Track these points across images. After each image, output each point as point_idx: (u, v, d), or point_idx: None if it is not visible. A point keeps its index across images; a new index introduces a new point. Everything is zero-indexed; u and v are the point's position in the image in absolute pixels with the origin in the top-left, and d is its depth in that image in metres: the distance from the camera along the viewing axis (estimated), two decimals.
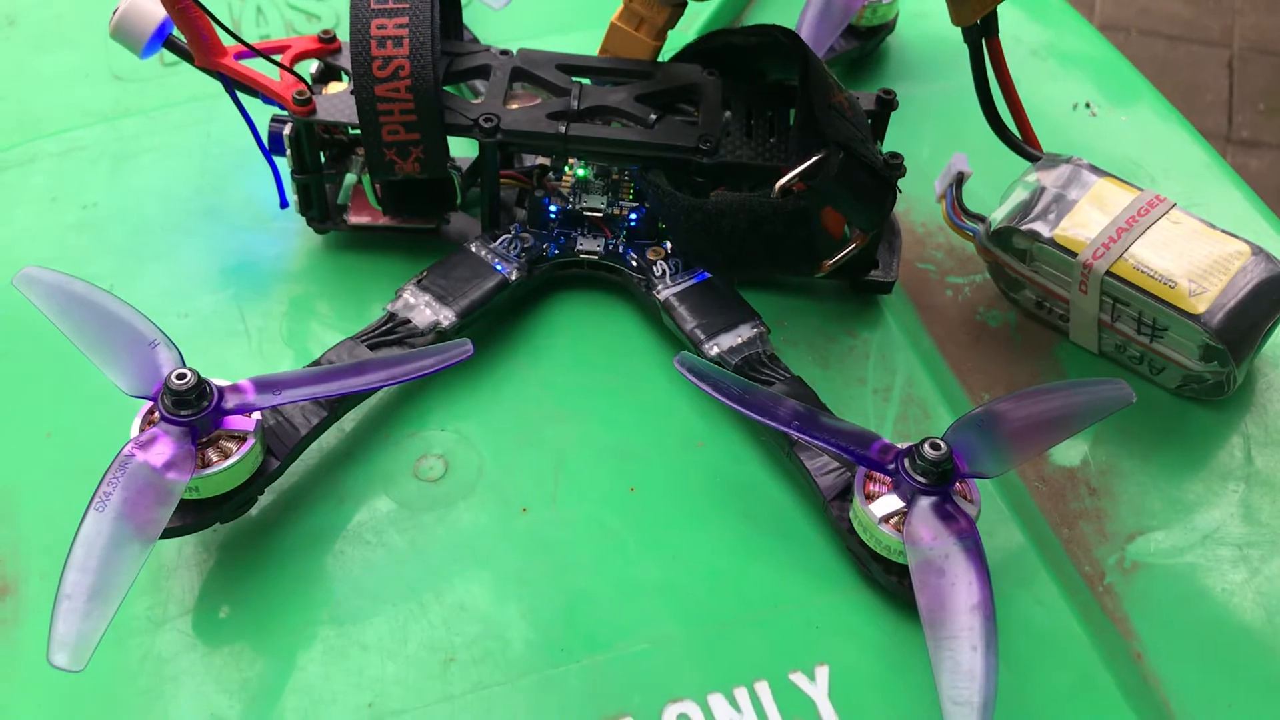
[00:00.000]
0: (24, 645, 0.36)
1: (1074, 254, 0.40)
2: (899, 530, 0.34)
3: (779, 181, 0.39)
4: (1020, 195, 0.42)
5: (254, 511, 0.37)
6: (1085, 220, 0.41)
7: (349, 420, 0.40)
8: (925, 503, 0.34)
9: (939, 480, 0.34)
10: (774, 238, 0.40)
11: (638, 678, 0.34)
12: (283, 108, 0.42)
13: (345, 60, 0.43)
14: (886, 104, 0.42)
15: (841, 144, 0.38)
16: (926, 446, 0.34)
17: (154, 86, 0.53)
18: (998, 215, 0.42)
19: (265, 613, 0.36)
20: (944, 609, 0.32)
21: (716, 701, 0.34)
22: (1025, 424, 0.36)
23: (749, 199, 0.40)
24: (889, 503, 0.35)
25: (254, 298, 0.44)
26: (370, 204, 0.44)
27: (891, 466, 0.35)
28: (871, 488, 0.35)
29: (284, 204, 0.45)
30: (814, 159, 0.39)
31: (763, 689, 0.34)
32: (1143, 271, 0.40)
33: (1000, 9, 0.41)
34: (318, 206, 0.44)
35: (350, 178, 0.44)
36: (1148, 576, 0.38)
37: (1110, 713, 0.34)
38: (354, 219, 0.44)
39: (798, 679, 0.34)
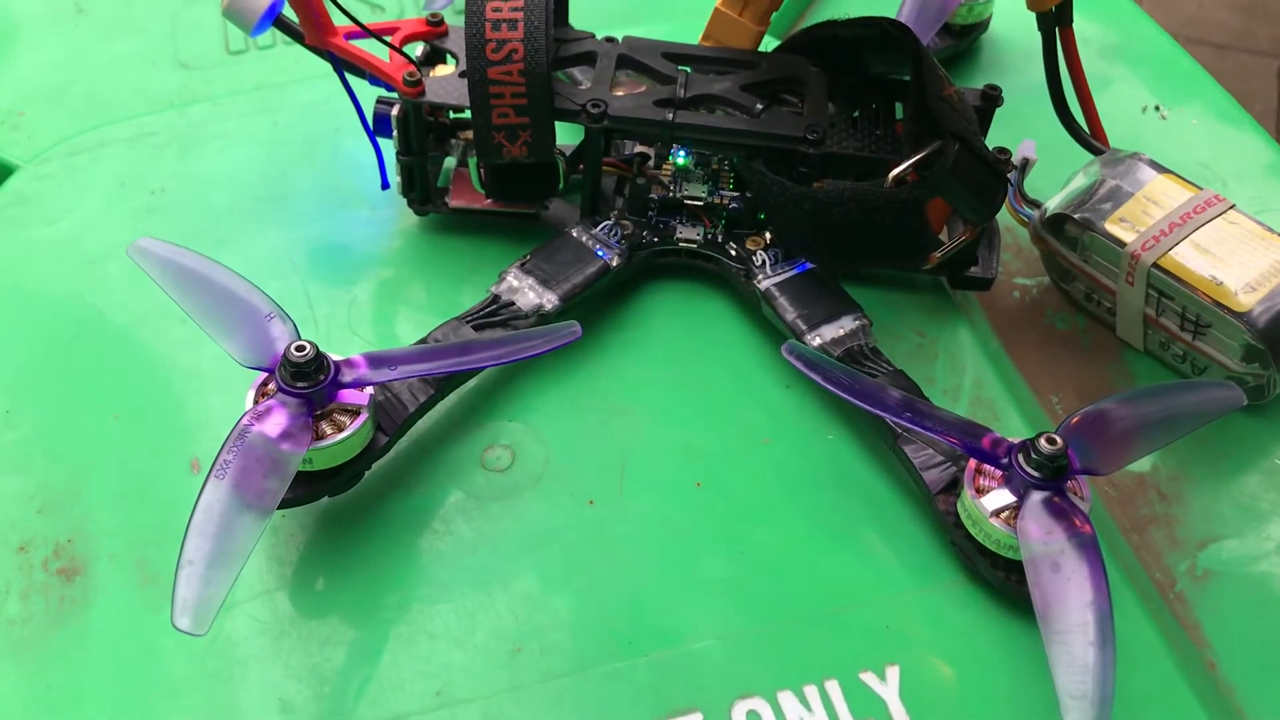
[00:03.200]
0: (94, 625, 0.36)
1: (1123, 244, 0.40)
2: (1010, 525, 0.34)
3: (893, 171, 0.39)
4: (1079, 184, 0.42)
5: (322, 500, 0.38)
6: (1139, 213, 0.41)
7: None
8: (1038, 497, 0.34)
9: (1053, 475, 0.34)
10: (884, 229, 0.40)
11: (706, 673, 0.34)
12: (390, 89, 0.42)
13: (452, 43, 0.43)
14: (992, 100, 0.42)
15: (957, 135, 0.38)
16: (1042, 441, 0.34)
17: (220, 74, 0.53)
18: (1053, 202, 0.42)
19: (334, 599, 0.36)
20: (1059, 604, 0.32)
21: (786, 699, 0.33)
22: (1136, 423, 0.36)
23: (862, 188, 0.40)
24: (1000, 497, 0.35)
25: (321, 285, 0.44)
26: (471, 188, 0.44)
27: (1004, 460, 0.35)
28: (981, 482, 0.35)
29: (385, 185, 0.45)
30: (929, 149, 0.39)
31: (833, 687, 0.34)
32: (1189, 266, 0.39)
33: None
34: (420, 188, 0.44)
35: (450, 161, 0.44)
36: (1220, 584, 0.37)
37: (1184, 715, 0.34)
38: (455, 202, 0.45)
39: (868, 678, 0.34)
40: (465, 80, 0.40)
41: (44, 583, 0.37)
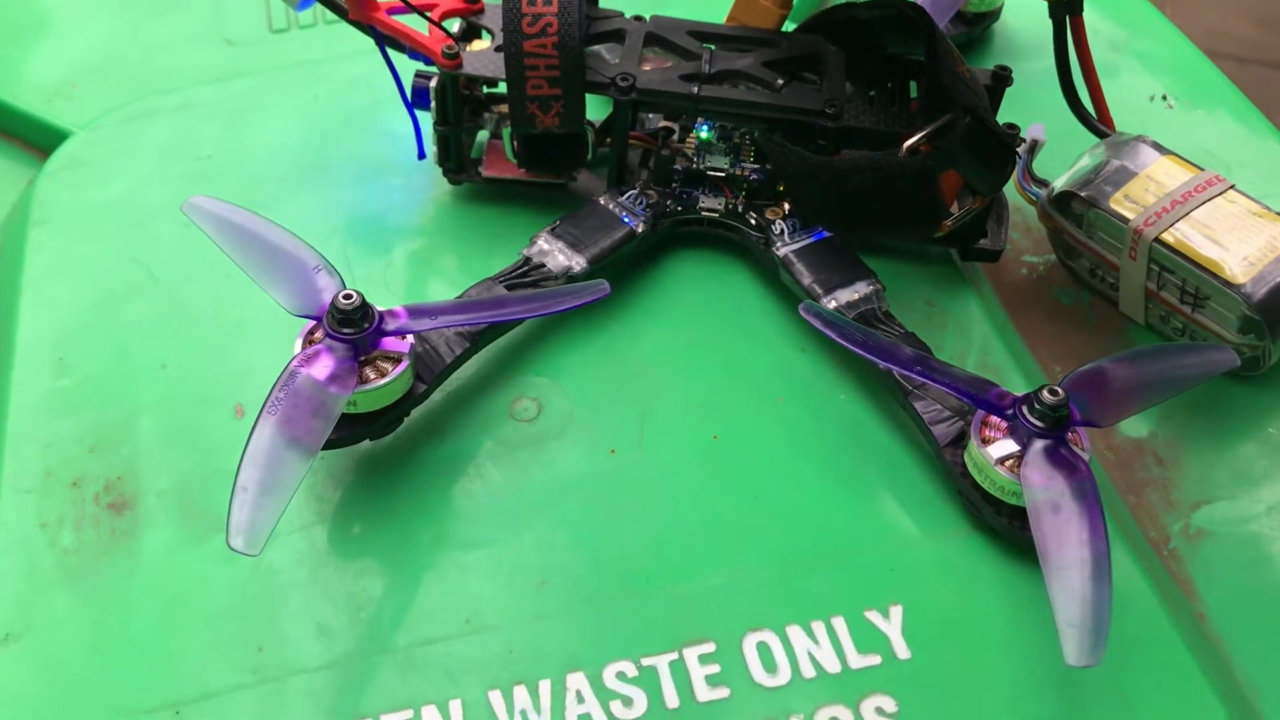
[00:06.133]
0: (142, 554, 0.38)
1: (1126, 221, 0.42)
2: (1014, 472, 0.36)
3: (907, 141, 0.41)
4: (1084, 164, 0.44)
5: (363, 444, 0.40)
6: (1142, 191, 0.42)
7: None
8: (1041, 445, 0.36)
9: (1054, 425, 0.36)
10: (898, 197, 0.42)
11: (720, 607, 0.36)
12: (429, 62, 0.44)
13: (488, 20, 0.45)
14: (1001, 79, 0.44)
15: (968, 108, 0.40)
16: (1045, 392, 0.36)
17: (263, 51, 0.56)
18: (1060, 181, 0.44)
19: (370, 535, 0.38)
20: (1059, 543, 0.34)
21: (794, 632, 0.35)
22: (1134, 379, 0.38)
23: (877, 157, 0.42)
24: (1005, 446, 0.37)
25: (359, 248, 0.46)
26: (503, 159, 0.46)
27: (1009, 411, 0.37)
28: (987, 433, 0.37)
29: (421, 155, 0.47)
30: (942, 121, 0.41)
31: (839, 623, 0.36)
32: (1189, 241, 0.41)
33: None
34: (455, 158, 0.46)
35: (483, 134, 0.47)
36: (1212, 543, 0.39)
37: (1176, 663, 0.36)
38: (488, 172, 0.47)
39: (872, 616, 0.36)
40: (500, 54, 0.43)
41: (95, 516, 0.39)
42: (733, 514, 0.38)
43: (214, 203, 0.40)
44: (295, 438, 0.35)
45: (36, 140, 0.53)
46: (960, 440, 0.38)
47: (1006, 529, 0.37)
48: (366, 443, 0.39)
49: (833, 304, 0.42)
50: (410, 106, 0.45)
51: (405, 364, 0.37)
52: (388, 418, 0.38)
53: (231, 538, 0.33)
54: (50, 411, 0.42)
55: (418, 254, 0.47)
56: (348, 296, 0.37)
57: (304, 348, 0.37)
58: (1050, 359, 0.44)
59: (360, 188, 0.49)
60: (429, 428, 0.41)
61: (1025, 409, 0.36)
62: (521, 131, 0.44)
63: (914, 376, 0.38)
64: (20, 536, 0.38)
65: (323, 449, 0.35)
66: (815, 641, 0.35)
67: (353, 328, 0.37)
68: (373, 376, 0.37)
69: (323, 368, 0.36)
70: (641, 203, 0.45)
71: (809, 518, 0.38)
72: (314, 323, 0.38)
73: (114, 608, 0.37)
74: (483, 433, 0.41)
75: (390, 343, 0.38)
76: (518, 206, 0.47)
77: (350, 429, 0.38)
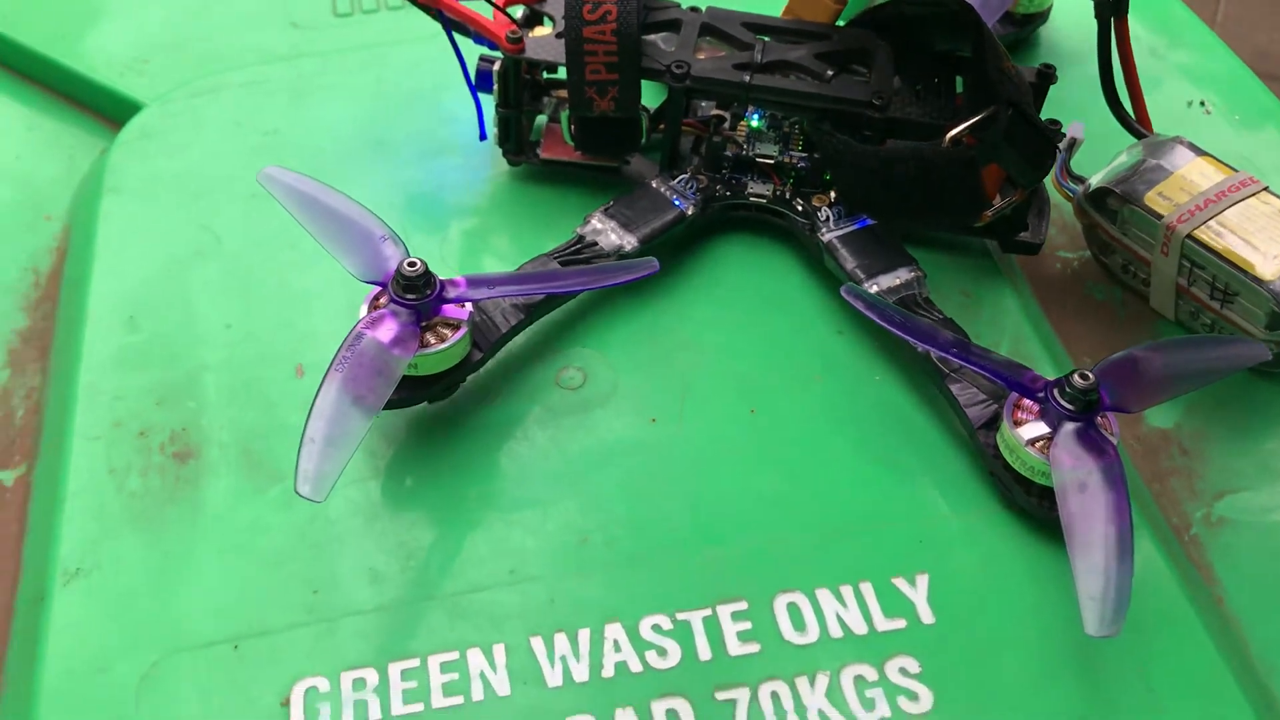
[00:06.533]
0: (205, 501, 0.40)
1: (1160, 217, 0.43)
2: (1044, 453, 0.37)
3: (950, 132, 0.43)
4: (1121, 161, 0.45)
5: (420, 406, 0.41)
6: (1177, 189, 0.44)
7: None
8: (1071, 428, 0.37)
9: (1084, 409, 0.37)
10: (940, 187, 0.43)
11: (752, 569, 0.38)
12: (493, 46, 0.46)
13: (550, 7, 0.47)
14: (1046, 78, 0.45)
15: (1012, 102, 0.41)
16: (1076, 377, 0.37)
17: (328, 34, 0.58)
18: (1097, 178, 0.45)
19: (421, 490, 0.40)
20: (1084, 520, 0.35)
21: (824, 595, 0.37)
22: (1163, 368, 0.39)
23: (921, 146, 0.43)
24: (1036, 428, 0.38)
25: (418, 224, 0.48)
26: (560, 142, 0.48)
27: (1041, 395, 0.38)
28: (1019, 415, 0.38)
29: (483, 137, 0.49)
30: (985, 113, 0.42)
31: (866, 588, 0.37)
32: (1221, 239, 0.42)
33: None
34: (515, 140, 0.48)
35: (541, 118, 0.49)
36: (1233, 531, 0.40)
37: (1193, 642, 0.37)
38: (545, 154, 0.49)
39: (899, 583, 0.37)
40: (562, 40, 0.44)
41: (160, 464, 0.41)
42: (768, 483, 0.40)
43: (287, 173, 0.42)
44: (359, 395, 0.36)
45: (110, 112, 0.56)
46: (994, 423, 0.40)
47: (1035, 509, 0.38)
48: (424, 405, 0.41)
49: (874, 288, 0.44)
50: (474, 89, 0.47)
51: (464, 331, 0.39)
52: (446, 382, 0.40)
53: (299, 484, 0.35)
54: (120, 366, 0.44)
55: (474, 231, 0.49)
56: (412, 264, 0.38)
57: (369, 313, 0.39)
58: (1081, 351, 0.46)
59: (419, 166, 0.51)
60: (479, 393, 0.42)
61: (1056, 393, 0.38)
62: (579, 114, 0.46)
63: (951, 359, 0.40)
64: (90, 480, 0.40)
65: (384, 408, 0.37)
66: (843, 604, 0.37)
67: (416, 294, 0.39)
68: (433, 341, 0.39)
69: (386, 331, 0.38)
70: (692, 187, 0.47)
71: (841, 490, 0.40)
72: (379, 289, 0.40)
73: (177, 549, 0.39)
74: (530, 400, 0.42)
75: (450, 310, 0.39)
76: (571, 188, 0.49)
77: (410, 391, 0.39)
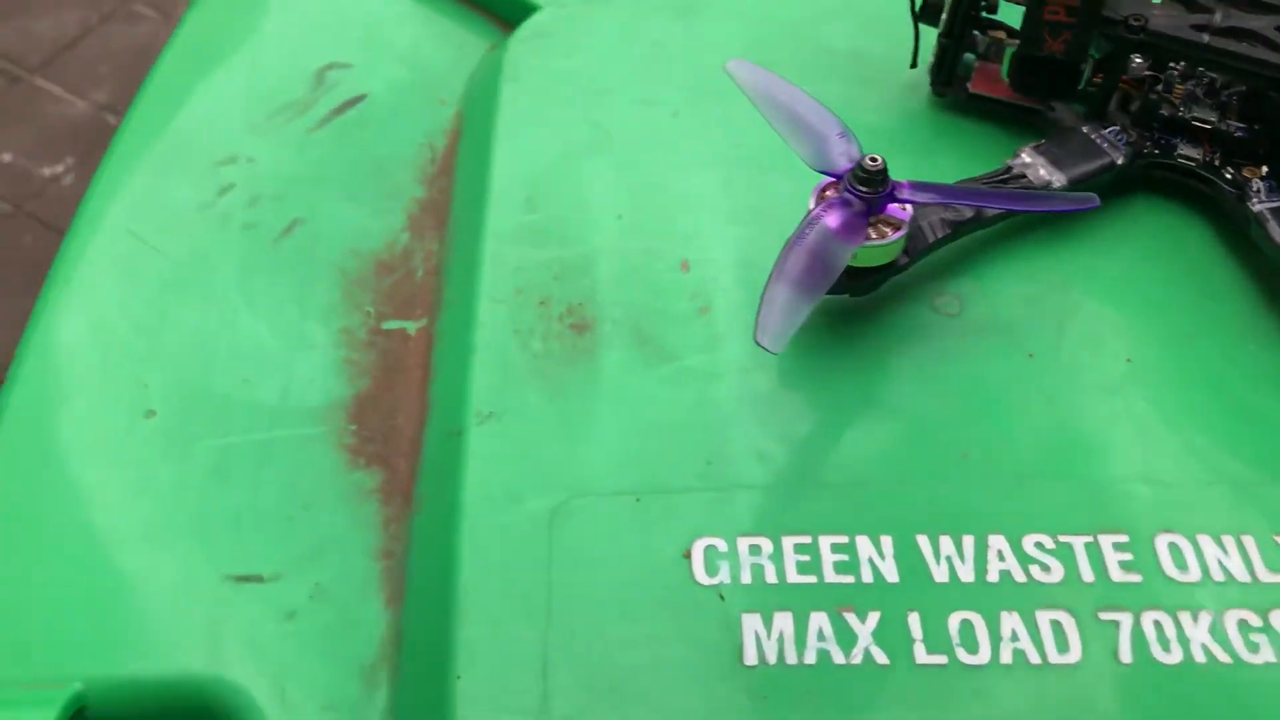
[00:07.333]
0: (600, 369, 0.43)
1: None
2: None
3: None
4: None
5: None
6: None
7: None
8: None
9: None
10: None
11: (1131, 505, 0.39)
12: None
13: None
14: None
15: None
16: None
17: None
18: None
19: (803, 382, 0.42)
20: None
21: (1204, 540, 0.37)
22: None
23: None
24: None
25: None
26: (989, 79, 0.50)
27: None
28: None
29: (914, 64, 0.51)
30: None
31: (1249, 541, 0.37)
32: None
33: None
34: (948, 71, 0.50)
35: (970, 57, 0.50)
36: None
37: None
38: (974, 88, 0.51)
39: None
40: None
41: (559, 332, 0.44)
42: (1148, 428, 0.41)
43: (751, 66, 0.45)
44: (812, 271, 0.39)
45: (502, 12, 0.59)
46: None
47: None
48: (847, 297, 0.43)
49: None
50: (916, 18, 0.49)
51: (903, 231, 0.41)
52: (874, 279, 0.42)
53: (760, 335, 0.38)
54: (519, 240, 0.47)
55: (889, 155, 0.50)
56: (874, 159, 0.41)
57: (816, 203, 0.41)
58: None
59: (839, 87, 0.52)
60: (857, 306, 0.44)
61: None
62: (1026, 52, 0.47)
63: None
64: (497, 337, 0.44)
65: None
66: (1224, 552, 0.37)
67: (871, 188, 0.41)
68: (874, 236, 0.41)
69: (837, 218, 0.40)
70: (1122, 139, 0.47)
71: (1219, 445, 0.40)
72: (828, 180, 0.42)
73: (578, 407, 0.42)
74: (909, 319, 0.44)
75: (894, 209, 0.41)
76: (990, 125, 0.50)
77: (845, 280, 0.41)
